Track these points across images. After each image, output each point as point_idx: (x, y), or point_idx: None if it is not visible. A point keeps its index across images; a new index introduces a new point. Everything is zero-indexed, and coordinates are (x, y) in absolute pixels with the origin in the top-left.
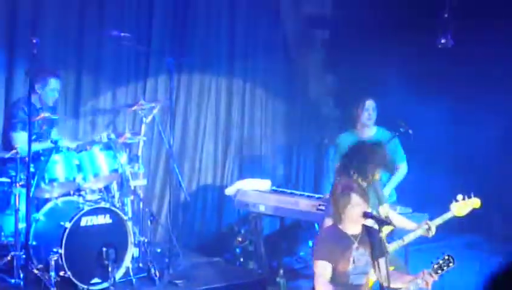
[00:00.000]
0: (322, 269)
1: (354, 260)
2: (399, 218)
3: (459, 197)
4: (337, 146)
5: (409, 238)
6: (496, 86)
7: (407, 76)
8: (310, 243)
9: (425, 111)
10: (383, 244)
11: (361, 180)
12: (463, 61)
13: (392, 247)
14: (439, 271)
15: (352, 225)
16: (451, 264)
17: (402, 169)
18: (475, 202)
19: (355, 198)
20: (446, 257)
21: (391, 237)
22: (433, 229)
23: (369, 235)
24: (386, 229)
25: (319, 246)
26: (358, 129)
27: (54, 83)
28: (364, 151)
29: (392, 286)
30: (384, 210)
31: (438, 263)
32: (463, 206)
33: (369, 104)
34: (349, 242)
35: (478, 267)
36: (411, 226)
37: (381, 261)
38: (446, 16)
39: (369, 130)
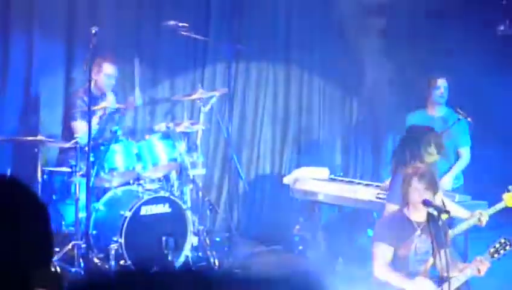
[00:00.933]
0: (381, 252)
1: (415, 247)
2: (453, 206)
3: (510, 187)
4: (407, 123)
5: (461, 227)
6: None
7: (465, 63)
8: (369, 232)
9: (493, 95)
10: (446, 235)
11: (419, 162)
12: None
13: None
14: (496, 255)
15: (416, 211)
16: (508, 247)
17: (465, 155)
18: None
19: (415, 183)
20: (502, 241)
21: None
22: (484, 219)
23: (433, 224)
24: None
25: (381, 228)
26: (429, 108)
27: (108, 68)
28: (415, 132)
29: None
30: (439, 198)
31: (494, 246)
32: None
33: (442, 82)
34: (412, 228)
35: None
36: (464, 215)
37: (442, 252)
38: (504, 2)
39: (440, 109)
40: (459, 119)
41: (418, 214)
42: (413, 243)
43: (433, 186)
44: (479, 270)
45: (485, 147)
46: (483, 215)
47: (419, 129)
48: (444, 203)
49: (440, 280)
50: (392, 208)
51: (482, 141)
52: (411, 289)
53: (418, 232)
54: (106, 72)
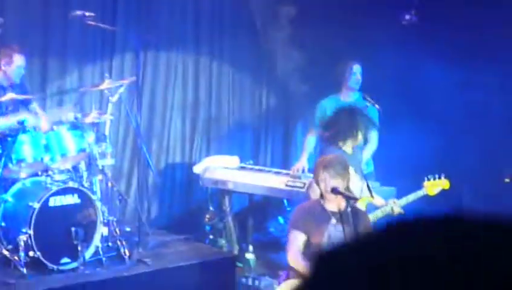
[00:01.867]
0: (295, 239)
1: (329, 235)
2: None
3: (430, 176)
4: (320, 110)
5: (376, 215)
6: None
7: (371, 52)
8: (280, 219)
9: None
10: (368, 222)
11: (351, 141)
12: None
13: None
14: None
15: (331, 201)
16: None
17: (373, 141)
18: (445, 183)
19: (321, 173)
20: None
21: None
22: (397, 208)
23: (347, 213)
24: (361, 202)
25: (296, 216)
26: (343, 93)
27: (19, 60)
28: (346, 113)
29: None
30: (357, 184)
31: (428, 179)
32: (434, 185)
33: (357, 68)
34: (327, 217)
35: None
36: (380, 203)
37: None
38: None
39: (353, 95)
40: (366, 106)
41: (333, 203)
42: (326, 231)
43: (343, 174)
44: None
45: (395, 133)
46: (396, 204)
47: (350, 109)
48: (364, 190)
49: None
50: (317, 191)
51: (391, 128)
52: None
53: (333, 221)
54: (17, 64)
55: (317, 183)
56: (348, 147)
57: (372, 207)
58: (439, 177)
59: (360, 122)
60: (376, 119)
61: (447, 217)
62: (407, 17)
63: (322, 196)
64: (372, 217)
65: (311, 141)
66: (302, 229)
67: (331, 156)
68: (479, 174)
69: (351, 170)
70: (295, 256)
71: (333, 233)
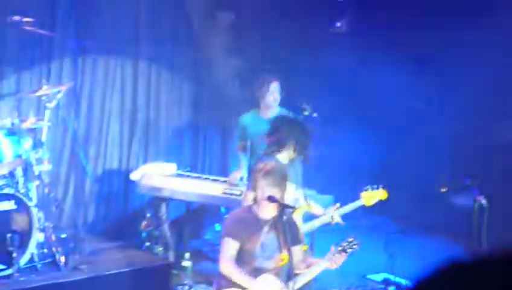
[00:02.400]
0: (227, 246)
1: (262, 243)
2: (310, 203)
3: (368, 187)
4: (240, 126)
5: (313, 224)
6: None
7: (308, 58)
8: (217, 227)
9: (327, 94)
10: (297, 232)
11: (287, 153)
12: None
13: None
14: (342, 253)
15: (264, 208)
16: (355, 247)
17: None
18: (382, 193)
19: (260, 180)
20: (350, 239)
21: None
22: (337, 218)
23: (281, 221)
24: (298, 212)
25: (229, 223)
26: (262, 109)
27: None
28: (286, 123)
29: (297, 270)
30: (292, 194)
31: (341, 245)
32: (371, 196)
33: (274, 86)
34: (259, 225)
35: (383, 245)
36: (318, 212)
37: (296, 248)
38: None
39: (273, 111)
40: (305, 116)
41: (266, 211)
42: (259, 239)
43: (281, 184)
44: (334, 263)
45: (334, 140)
46: (335, 213)
47: (294, 121)
48: (300, 199)
49: (288, 276)
50: (250, 196)
51: (331, 135)
52: (251, 287)
53: (266, 228)
54: None
55: (254, 189)
56: (283, 157)
57: (310, 216)
58: (377, 188)
59: (298, 134)
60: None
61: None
62: (338, 24)
63: (254, 202)
64: (309, 226)
65: (241, 156)
66: (235, 237)
67: (272, 164)
68: (416, 183)
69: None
70: (228, 264)
71: (266, 241)
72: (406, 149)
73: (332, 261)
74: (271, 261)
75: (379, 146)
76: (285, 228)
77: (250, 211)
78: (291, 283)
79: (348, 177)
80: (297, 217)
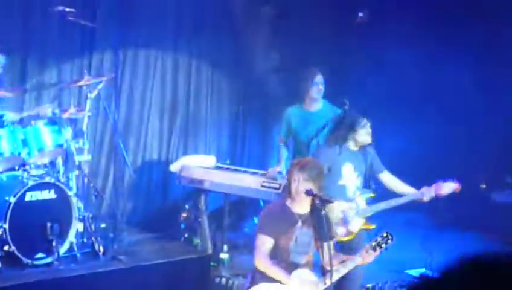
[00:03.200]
0: (262, 243)
1: (296, 238)
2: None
3: None
4: (285, 119)
5: (378, 207)
6: None
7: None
8: (255, 219)
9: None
10: (330, 229)
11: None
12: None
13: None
14: (378, 248)
15: (298, 203)
16: (389, 241)
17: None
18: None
19: (296, 174)
20: (384, 235)
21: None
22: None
23: (315, 217)
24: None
25: (263, 220)
26: (307, 103)
27: None
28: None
29: (330, 266)
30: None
31: (376, 240)
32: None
33: (319, 78)
34: (293, 220)
35: (418, 243)
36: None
37: (325, 245)
38: None
39: (317, 104)
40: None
41: (300, 206)
42: (294, 234)
43: (317, 179)
44: (364, 261)
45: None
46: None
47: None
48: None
49: (323, 272)
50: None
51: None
52: (286, 282)
53: (300, 223)
54: None
55: (289, 183)
56: (351, 145)
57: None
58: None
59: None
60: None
61: None
62: (361, 15)
63: (288, 197)
64: (375, 208)
65: (283, 150)
66: (269, 233)
67: (308, 159)
68: (455, 179)
69: (350, 166)
70: (263, 259)
71: (300, 236)
72: (446, 144)
73: (364, 257)
74: (305, 256)
75: (419, 140)
76: (321, 222)
77: (284, 206)
78: (326, 279)
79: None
80: (360, 201)
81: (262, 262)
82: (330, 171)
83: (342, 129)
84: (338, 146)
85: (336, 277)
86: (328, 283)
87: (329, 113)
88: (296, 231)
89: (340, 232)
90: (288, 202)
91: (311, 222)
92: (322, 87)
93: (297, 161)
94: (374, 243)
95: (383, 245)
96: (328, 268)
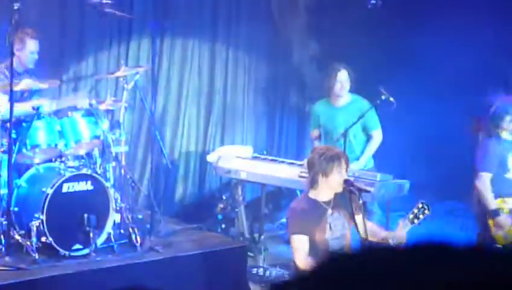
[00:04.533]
0: (299, 243)
1: (330, 227)
2: None
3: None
4: (313, 114)
5: None
6: None
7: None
8: None
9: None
10: (358, 202)
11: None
12: None
13: None
14: (415, 220)
15: (322, 192)
16: (426, 212)
17: (376, 137)
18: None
19: (341, 165)
20: (420, 205)
21: None
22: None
23: (341, 197)
24: None
25: (293, 220)
26: (332, 98)
27: (32, 45)
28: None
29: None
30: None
31: (412, 212)
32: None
33: (341, 75)
34: (323, 210)
35: (459, 232)
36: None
37: (358, 217)
38: None
39: (344, 99)
40: (370, 108)
41: (324, 194)
42: (327, 223)
43: (345, 168)
44: (401, 235)
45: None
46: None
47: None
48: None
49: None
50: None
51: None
52: None
53: (330, 211)
54: (30, 49)
55: (327, 174)
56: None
57: None
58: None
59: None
60: (375, 116)
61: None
62: (373, 1)
63: (310, 189)
64: None
65: (317, 143)
66: (303, 233)
67: (338, 150)
68: None
69: None
70: (305, 261)
71: (333, 222)
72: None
73: (401, 230)
74: (343, 239)
75: (456, 128)
76: (346, 203)
77: (310, 200)
78: None
79: (423, 163)
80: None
81: (305, 263)
82: (499, 164)
83: (495, 120)
84: (499, 138)
85: None
86: None
87: (357, 107)
88: (328, 219)
89: None
90: (312, 194)
91: (339, 204)
92: (345, 83)
93: (332, 151)
94: (411, 216)
95: (421, 216)
96: (365, 237)
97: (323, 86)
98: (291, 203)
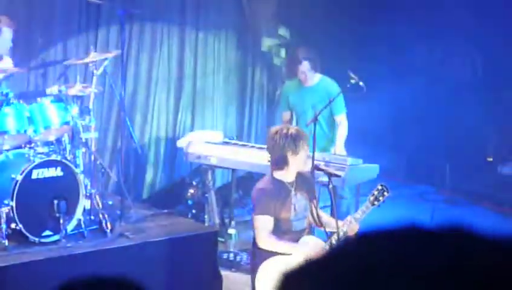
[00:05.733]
0: (263, 223)
1: (295, 207)
2: None
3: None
4: (283, 95)
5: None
6: None
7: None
8: None
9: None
10: (314, 187)
11: None
12: None
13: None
14: (376, 202)
15: (287, 172)
16: (385, 193)
17: (342, 122)
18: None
19: (306, 142)
20: (380, 187)
21: None
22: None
23: (302, 179)
24: None
25: (259, 201)
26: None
27: (7, 32)
28: None
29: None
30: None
31: (373, 194)
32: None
33: (302, 67)
34: (287, 190)
35: (430, 215)
36: None
37: (312, 204)
38: None
39: (313, 80)
40: (339, 92)
41: (288, 174)
42: (291, 203)
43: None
44: (352, 230)
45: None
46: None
47: None
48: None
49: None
50: None
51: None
52: (295, 251)
53: (293, 191)
54: (5, 36)
55: (294, 154)
56: None
57: None
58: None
59: None
60: (342, 100)
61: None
62: None
63: (275, 168)
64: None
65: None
66: (267, 212)
67: (296, 127)
68: (463, 152)
69: None
70: (268, 239)
71: (297, 203)
72: (452, 118)
73: (348, 227)
74: (305, 220)
75: (425, 115)
76: (304, 185)
77: (274, 180)
78: (332, 239)
79: (392, 147)
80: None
81: (268, 241)
82: None
83: None
84: None
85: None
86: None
87: (325, 89)
88: (292, 199)
89: None
90: (276, 175)
91: (301, 186)
92: (308, 73)
93: (284, 131)
94: (371, 198)
95: (381, 198)
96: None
97: (292, 70)
98: (257, 183)
